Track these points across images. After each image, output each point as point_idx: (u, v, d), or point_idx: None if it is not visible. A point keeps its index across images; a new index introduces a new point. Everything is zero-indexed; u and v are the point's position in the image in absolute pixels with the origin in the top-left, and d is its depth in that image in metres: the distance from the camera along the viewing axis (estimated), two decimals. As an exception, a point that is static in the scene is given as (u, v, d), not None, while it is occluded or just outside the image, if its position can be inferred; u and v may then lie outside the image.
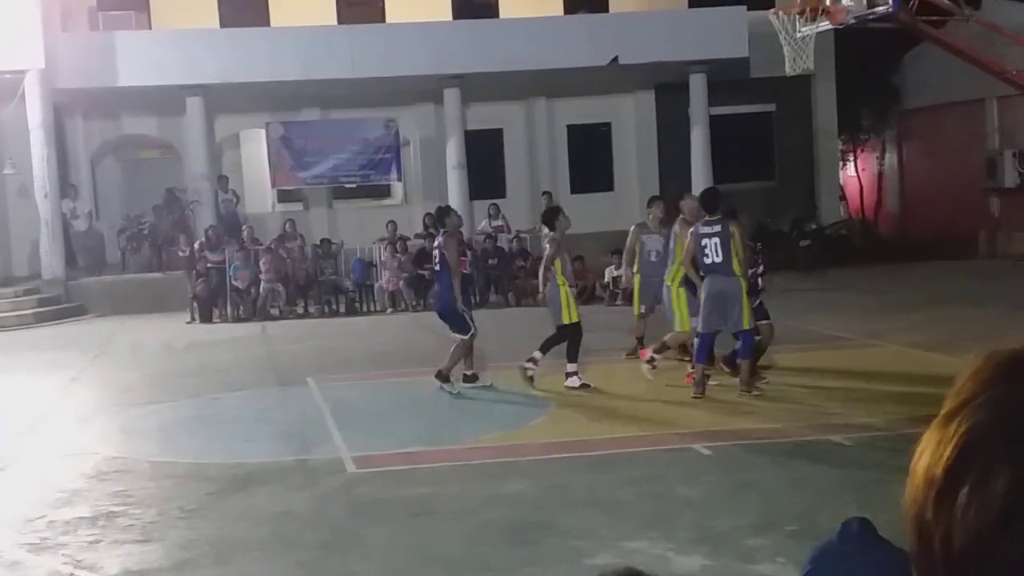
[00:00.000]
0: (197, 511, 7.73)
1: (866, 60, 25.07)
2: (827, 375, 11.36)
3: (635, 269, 12.81)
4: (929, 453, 0.82)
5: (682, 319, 11.20)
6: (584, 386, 11.33)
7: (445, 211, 11.98)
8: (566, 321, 11.39)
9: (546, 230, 11.88)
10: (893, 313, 15.82)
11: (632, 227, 13.10)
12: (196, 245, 20.96)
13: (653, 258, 12.63)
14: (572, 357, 11.41)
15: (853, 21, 15.82)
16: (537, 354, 11.43)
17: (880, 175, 29.13)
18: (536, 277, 20.03)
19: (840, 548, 1.86)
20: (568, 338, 11.43)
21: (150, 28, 24.54)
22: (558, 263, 11.43)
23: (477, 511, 7.38)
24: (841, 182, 28.29)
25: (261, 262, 20.29)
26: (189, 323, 19.41)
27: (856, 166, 29.25)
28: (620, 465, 8.42)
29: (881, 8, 14.93)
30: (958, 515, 0.79)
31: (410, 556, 6.53)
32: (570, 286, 11.62)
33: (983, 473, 0.78)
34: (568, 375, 11.41)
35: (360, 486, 8.21)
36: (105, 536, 7.22)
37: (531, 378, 11.35)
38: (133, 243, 23.15)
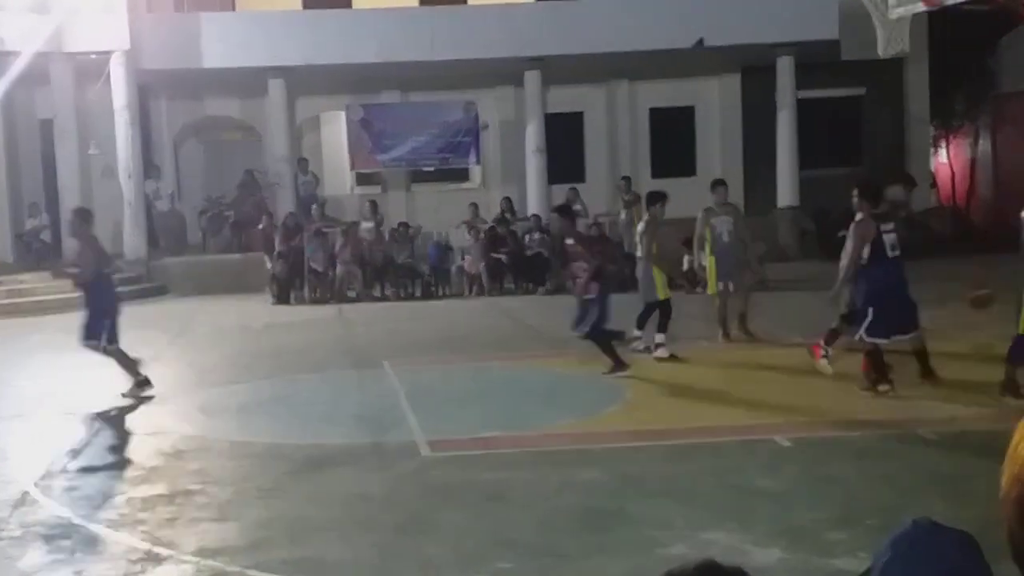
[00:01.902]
0: (273, 491, 7.77)
1: (960, 43, 24.39)
2: (914, 366, 11.06)
3: (708, 251, 13.41)
4: None
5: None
6: (672, 356, 12.18)
7: (83, 215, 12.08)
8: (661, 298, 12.45)
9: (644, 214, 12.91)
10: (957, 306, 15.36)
11: (700, 213, 13.69)
12: (265, 220, 21.22)
13: (725, 238, 13.36)
14: (662, 329, 12.37)
15: (948, 3, 15.31)
16: (636, 331, 12.55)
17: (973, 161, 28.37)
18: (613, 263, 20.00)
19: (914, 534, 1.82)
20: (660, 313, 12.41)
21: (234, 10, 24.83)
22: (655, 245, 12.47)
23: (551, 498, 7.30)
24: (933, 169, 27.61)
25: (338, 245, 20.43)
26: (274, 304, 19.62)
27: (948, 152, 28.52)
28: (697, 455, 8.28)
29: (977, -10, 14.45)
30: None
31: (483, 541, 6.48)
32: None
33: None
34: (657, 346, 12.32)
35: (434, 470, 8.18)
36: (182, 514, 7.28)
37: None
38: (214, 224, 23.47)
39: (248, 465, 8.52)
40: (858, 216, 10.07)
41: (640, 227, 12.89)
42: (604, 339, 11.44)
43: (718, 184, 13.97)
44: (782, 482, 7.49)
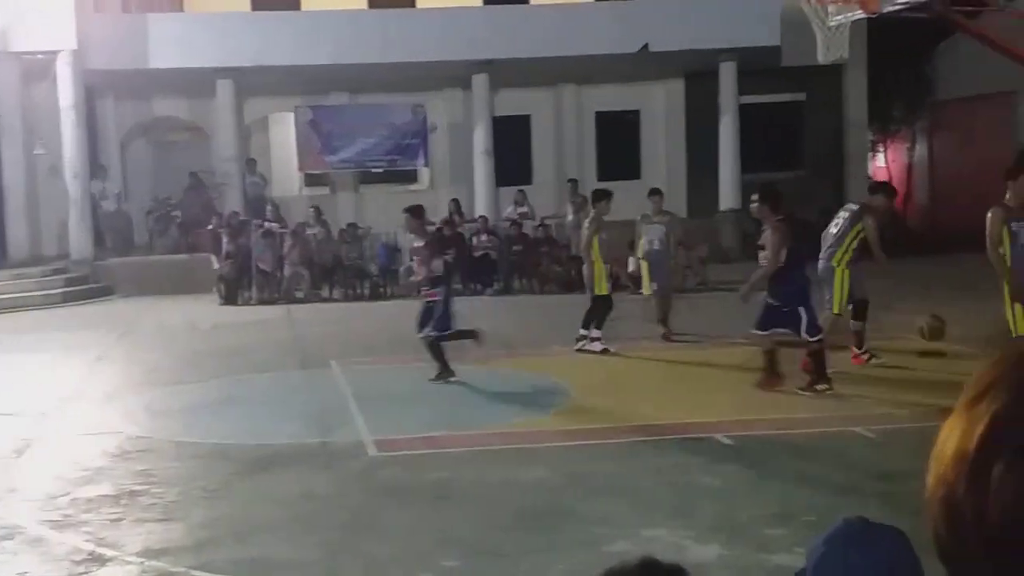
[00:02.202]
0: (219, 491, 7.79)
1: (898, 50, 24.84)
2: (852, 366, 11.29)
3: (641, 256, 14.10)
4: (959, 433, 0.86)
5: (840, 301, 11.04)
6: (604, 351, 12.62)
7: None
8: (597, 293, 12.86)
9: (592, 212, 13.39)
10: (920, 305, 15.68)
11: (638, 218, 14.45)
12: (214, 221, 21.11)
13: (656, 245, 13.95)
14: (598, 325, 12.81)
15: (887, 10, 15.63)
16: (582, 331, 12.88)
17: (910, 166, 28.89)
18: (560, 264, 20.19)
19: (848, 532, 1.91)
20: (599, 308, 12.85)
21: (182, 10, 24.66)
22: (595, 242, 12.80)
23: (496, 496, 7.39)
24: (871, 173, 28.07)
25: (286, 245, 20.38)
26: (222, 304, 19.54)
27: (886, 157, 29.01)
28: (641, 454, 8.41)
29: (916, -3, 14.78)
30: (993, 489, 0.83)
31: (429, 540, 6.56)
32: (604, 263, 13.00)
33: (1017, 449, 0.83)
34: (592, 339, 12.80)
35: (381, 469, 8.24)
36: (127, 514, 7.28)
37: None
38: (161, 224, 23.30)
39: (194, 465, 8.52)
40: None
41: (585, 224, 13.33)
42: (442, 343, 11.34)
43: (653, 193, 14.56)
44: (722, 479, 7.64)
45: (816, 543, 1.95)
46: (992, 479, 0.84)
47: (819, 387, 10.10)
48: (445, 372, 11.34)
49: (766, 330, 10.28)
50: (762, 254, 10.61)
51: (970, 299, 15.57)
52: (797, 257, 10.27)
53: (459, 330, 11.63)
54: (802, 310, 10.10)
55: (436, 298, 11.35)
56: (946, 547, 0.88)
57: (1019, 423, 0.85)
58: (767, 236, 10.32)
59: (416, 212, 11.91)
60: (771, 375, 10.39)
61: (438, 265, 11.47)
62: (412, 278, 12.33)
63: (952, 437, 0.88)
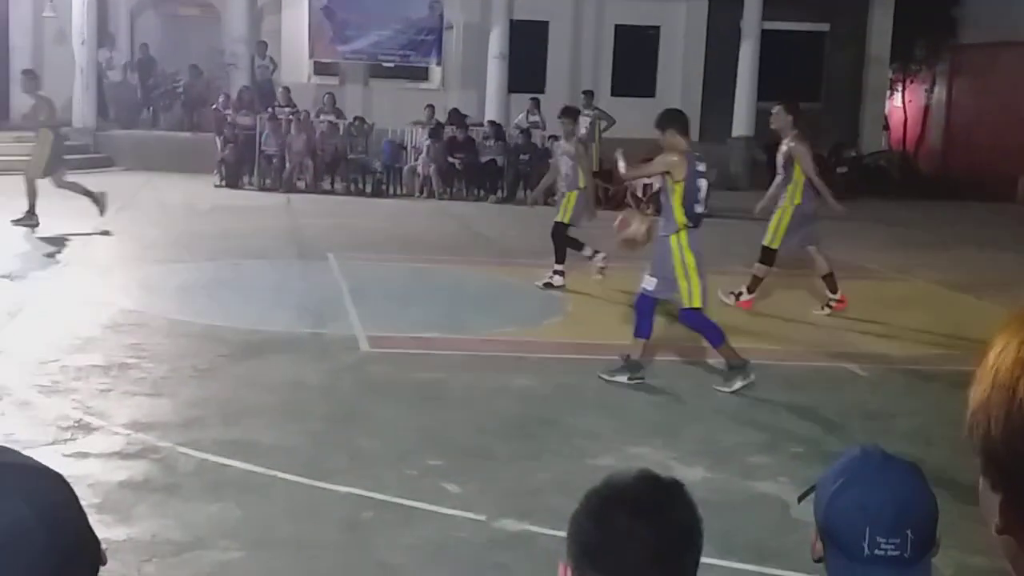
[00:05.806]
0: (209, 371, 7.78)
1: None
2: (850, 304, 11.25)
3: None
4: (1015, 344, 0.98)
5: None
6: None
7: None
8: None
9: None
10: (923, 249, 15.64)
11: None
12: (221, 100, 20.81)
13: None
14: None
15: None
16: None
17: (927, 108, 28.53)
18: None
19: (866, 462, 1.90)
20: None
21: None
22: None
23: (485, 401, 7.40)
24: (886, 112, 27.77)
25: (292, 133, 20.15)
26: (218, 186, 19.42)
27: (903, 97, 28.65)
28: (632, 371, 8.39)
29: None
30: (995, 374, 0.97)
31: (415, 437, 6.57)
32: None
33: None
34: None
35: (372, 365, 8.23)
36: (116, 386, 7.28)
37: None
38: (165, 100, 23.01)
39: (185, 344, 8.51)
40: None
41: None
42: None
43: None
44: (711, 404, 7.65)
45: (831, 470, 1.93)
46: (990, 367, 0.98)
47: None
48: None
49: None
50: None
51: (974, 246, 15.52)
52: None
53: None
54: None
55: None
56: (998, 448, 0.96)
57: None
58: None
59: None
60: None
61: None
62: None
63: (1010, 348, 0.98)
